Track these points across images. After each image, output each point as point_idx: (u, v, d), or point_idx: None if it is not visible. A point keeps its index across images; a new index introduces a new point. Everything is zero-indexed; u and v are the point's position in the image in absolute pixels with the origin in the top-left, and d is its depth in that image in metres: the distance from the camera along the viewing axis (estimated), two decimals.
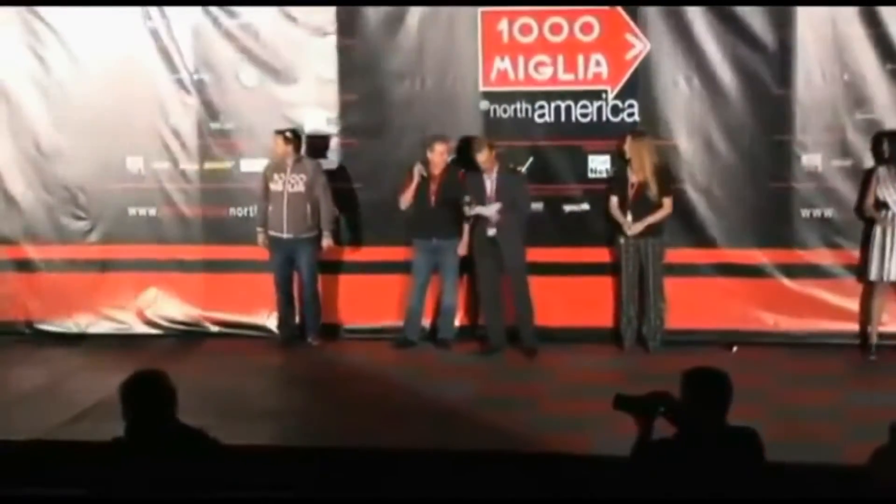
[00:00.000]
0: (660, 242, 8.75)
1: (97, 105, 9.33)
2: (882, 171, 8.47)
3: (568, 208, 9.09)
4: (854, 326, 8.78)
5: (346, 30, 9.11)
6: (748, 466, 4.31)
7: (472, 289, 9.14)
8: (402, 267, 9.13)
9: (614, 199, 8.77)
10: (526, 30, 8.93)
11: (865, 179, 8.58)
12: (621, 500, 4.81)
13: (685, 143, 8.91)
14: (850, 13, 8.57)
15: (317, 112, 9.24)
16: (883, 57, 8.60)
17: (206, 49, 9.27)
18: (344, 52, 9.14)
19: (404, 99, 9.14)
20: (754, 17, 8.68)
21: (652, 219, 8.65)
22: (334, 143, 9.26)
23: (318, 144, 9.20)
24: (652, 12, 8.79)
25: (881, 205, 8.41)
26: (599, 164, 9.01)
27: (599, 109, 8.93)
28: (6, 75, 9.46)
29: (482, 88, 9.03)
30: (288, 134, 8.93)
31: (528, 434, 6.82)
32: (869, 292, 8.65)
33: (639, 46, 8.83)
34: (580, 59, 8.90)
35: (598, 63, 8.90)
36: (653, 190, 8.62)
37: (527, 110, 9.01)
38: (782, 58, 8.69)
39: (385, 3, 9.04)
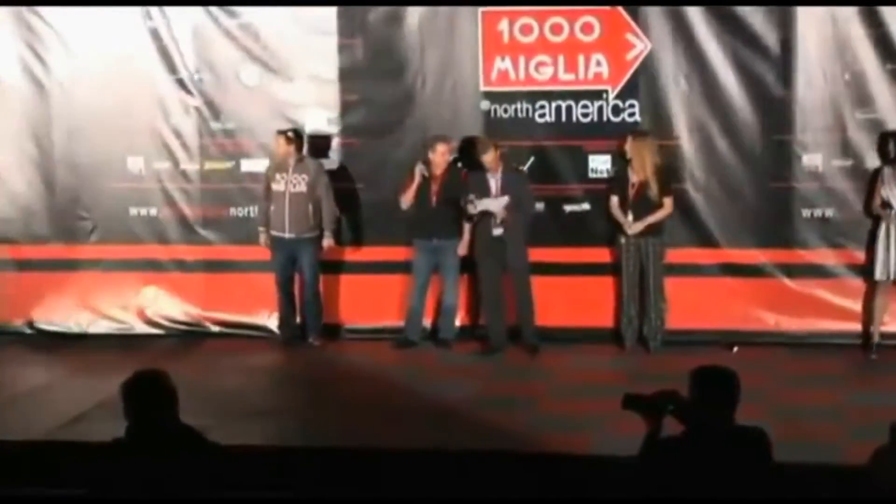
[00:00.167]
0: (660, 242, 8.75)
1: (98, 105, 9.33)
2: (887, 171, 8.48)
3: (568, 208, 9.09)
4: (855, 326, 8.78)
5: (347, 30, 9.11)
6: (756, 466, 4.31)
7: (473, 289, 9.14)
8: (403, 267, 9.13)
9: (615, 199, 8.77)
10: (526, 30, 8.93)
11: (872, 179, 8.59)
12: (624, 499, 4.81)
13: (686, 143, 8.90)
14: (850, 13, 8.57)
15: (317, 112, 9.24)
16: (884, 56, 8.60)
17: (206, 49, 9.27)
18: (345, 52, 9.14)
19: (405, 99, 9.14)
20: (755, 17, 8.68)
21: (652, 218, 8.65)
22: (335, 143, 9.26)
23: (319, 144, 9.20)
24: (653, 12, 8.78)
25: (886, 204, 8.42)
26: (600, 164, 9.01)
27: (600, 109, 8.93)
28: (7, 75, 9.45)
29: (483, 88, 9.03)
30: (290, 134, 8.93)
31: (528, 434, 6.82)
32: (872, 291, 8.65)
33: (639, 46, 8.83)
34: (581, 59, 8.90)
35: (598, 63, 8.90)
36: (653, 190, 8.62)
37: (527, 110, 9.01)
38: (783, 58, 8.69)
39: (385, 3, 9.04)
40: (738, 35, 8.71)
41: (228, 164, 9.40)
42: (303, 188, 8.91)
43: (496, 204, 8.64)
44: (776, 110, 8.76)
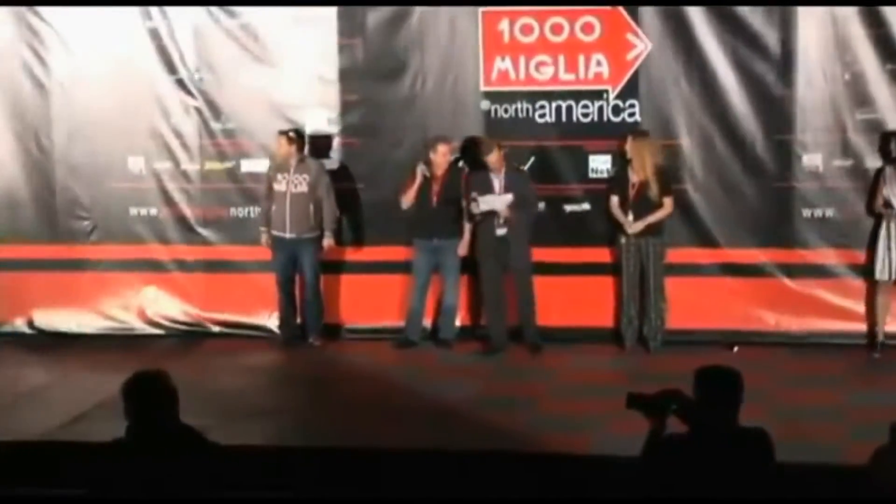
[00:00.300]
0: (660, 242, 8.75)
1: (98, 105, 9.33)
2: (889, 170, 8.48)
3: (569, 208, 9.09)
4: (855, 326, 8.78)
5: (347, 30, 9.11)
6: (758, 466, 4.31)
7: (474, 289, 9.14)
8: (403, 267, 9.13)
9: (615, 199, 8.77)
10: (527, 30, 8.92)
11: (874, 179, 8.59)
12: (626, 499, 4.81)
13: (686, 143, 8.90)
14: (851, 13, 8.57)
15: (318, 112, 9.24)
16: (884, 57, 8.60)
17: (206, 49, 9.27)
18: (345, 52, 9.14)
19: (405, 99, 9.14)
20: (755, 17, 8.67)
21: (652, 218, 8.65)
22: (335, 143, 9.26)
23: (319, 144, 9.20)
24: (653, 12, 8.78)
25: (887, 204, 8.42)
26: (600, 164, 9.01)
27: (600, 109, 8.93)
28: (8, 75, 9.45)
29: (483, 88, 9.03)
30: (291, 134, 8.93)
31: (528, 434, 6.82)
32: (874, 291, 8.65)
33: (640, 46, 8.83)
34: (581, 59, 8.90)
35: (599, 63, 8.89)
36: (653, 190, 8.62)
37: (528, 110, 9.01)
38: (783, 57, 8.69)
39: (385, 3, 9.04)
40: (738, 35, 8.71)
41: (229, 165, 9.41)
42: (304, 188, 8.91)
43: (500, 202, 8.64)
44: (776, 110, 8.76)
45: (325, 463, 6.40)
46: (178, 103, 9.33)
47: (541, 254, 8.91)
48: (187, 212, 9.46)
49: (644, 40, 8.82)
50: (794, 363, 8.40)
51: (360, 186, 9.28)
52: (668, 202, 8.70)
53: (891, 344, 8.62)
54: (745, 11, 8.67)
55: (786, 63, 8.69)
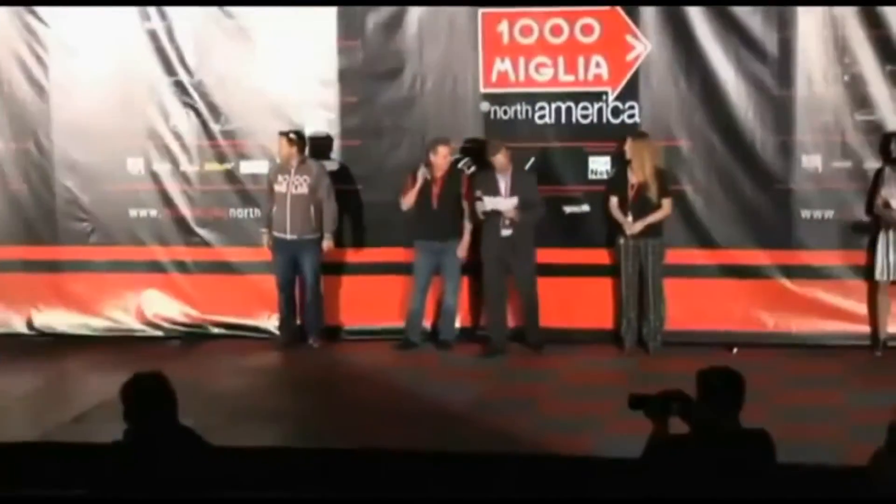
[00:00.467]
0: (659, 243, 8.75)
1: (98, 107, 9.33)
2: (888, 171, 8.49)
3: (568, 209, 9.09)
4: (854, 327, 8.78)
5: (347, 31, 9.11)
6: (760, 467, 4.32)
7: (474, 290, 9.14)
8: (403, 268, 9.13)
9: (614, 200, 8.77)
10: (526, 31, 8.93)
11: (874, 180, 8.59)
12: (627, 500, 4.81)
13: (686, 144, 8.91)
14: (850, 14, 8.57)
15: (317, 113, 9.24)
16: (883, 58, 8.59)
17: (206, 50, 9.27)
18: (344, 54, 9.14)
19: (405, 100, 9.14)
20: (755, 18, 8.68)
21: (651, 219, 8.65)
22: (335, 144, 9.26)
23: (319, 146, 9.20)
24: (652, 14, 8.78)
25: (886, 204, 8.43)
26: (600, 166, 9.01)
27: (600, 111, 8.93)
28: (7, 76, 9.45)
29: (483, 90, 9.03)
30: (292, 135, 8.94)
31: (529, 435, 6.81)
32: (874, 292, 8.65)
33: (639, 48, 8.83)
34: (581, 60, 8.91)
35: (598, 64, 8.90)
36: (652, 191, 8.63)
37: (527, 112, 9.01)
38: (783, 59, 8.69)
39: (385, 3, 9.04)
40: (738, 36, 8.71)
41: (228, 166, 9.40)
42: (304, 190, 8.91)
43: (505, 204, 8.64)
44: (776, 111, 8.76)
45: (325, 464, 6.39)
46: (178, 105, 9.33)
47: (540, 255, 8.91)
48: (187, 213, 9.46)
49: (643, 42, 8.82)
50: (794, 364, 8.40)
51: (359, 188, 9.28)
52: (666, 203, 8.70)
53: (891, 344, 8.62)
54: (744, 13, 8.67)
55: (785, 64, 8.69)
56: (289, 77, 9.19)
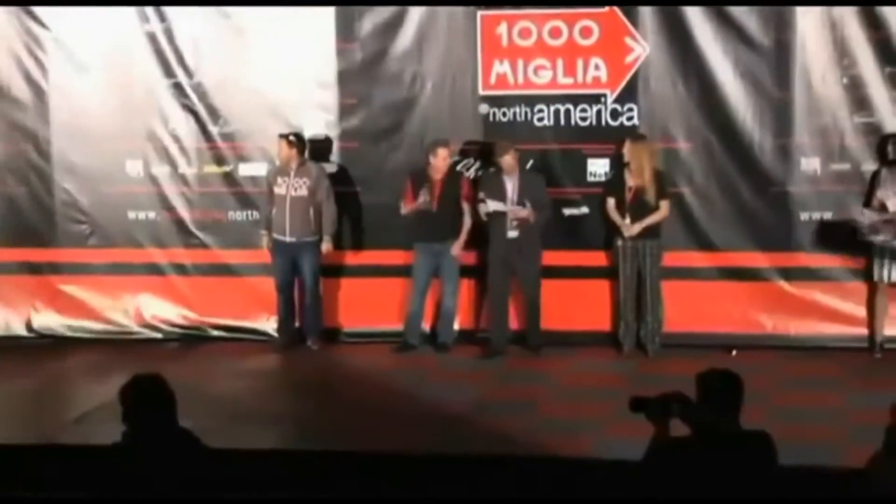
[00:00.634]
0: (657, 245, 8.75)
1: (97, 109, 9.34)
2: (885, 172, 8.49)
3: (567, 212, 9.09)
4: (853, 329, 8.79)
5: (346, 33, 9.11)
6: (761, 469, 4.32)
7: (474, 292, 9.14)
8: (402, 270, 9.13)
9: (611, 201, 8.77)
10: (525, 33, 8.93)
11: (870, 181, 8.59)
12: (628, 500, 4.81)
13: (684, 147, 8.91)
14: (850, 16, 8.57)
15: (316, 115, 9.24)
16: (882, 60, 8.59)
17: (205, 53, 9.27)
18: (343, 56, 9.14)
19: (404, 102, 9.14)
20: (753, 20, 8.68)
21: (649, 221, 8.65)
22: (334, 146, 9.26)
23: (318, 148, 9.20)
24: (651, 16, 8.78)
25: (882, 206, 8.43)
26: (599, 168, 9.01)
27: (599, 113, 8.93)
28: (6, 79, 9.45)
29: (482, 92, 9.04)
30: (291, 138, 8.94)
31: (528, 437, 6.81)
32: (872, 293, 8.66)
33: (638, 50, 8.83)
34: (579, 62, 8.91)
35: (597, 67, 8.90)
36: (650, 193, 8.63)
37: (526, 114, 9.01)
38: (781, 60, 8.69)
39: (385, 4, 9.04)
40: (736, 38, 8.71)
41: (227, 168, 9.40)
42: (304, 192, 8.91)
43: (507, 207, 8.62)
44: (775, 113, 8.76)
45: (323, 466, 6.39)
46: (177, 107, 9.33)
47: None
48: (185, 215, 9.46)
49: (642, 44, 8.82)
50: (792, 366, 8.41)
51: (358, 190, 9.28)
52: (664, 205, 8.71)
53: (890, 347, 8.62)
54: (743, 14, 8.67)
55: (784, 66, 8.69)
56: (287, 79, 9.18)
